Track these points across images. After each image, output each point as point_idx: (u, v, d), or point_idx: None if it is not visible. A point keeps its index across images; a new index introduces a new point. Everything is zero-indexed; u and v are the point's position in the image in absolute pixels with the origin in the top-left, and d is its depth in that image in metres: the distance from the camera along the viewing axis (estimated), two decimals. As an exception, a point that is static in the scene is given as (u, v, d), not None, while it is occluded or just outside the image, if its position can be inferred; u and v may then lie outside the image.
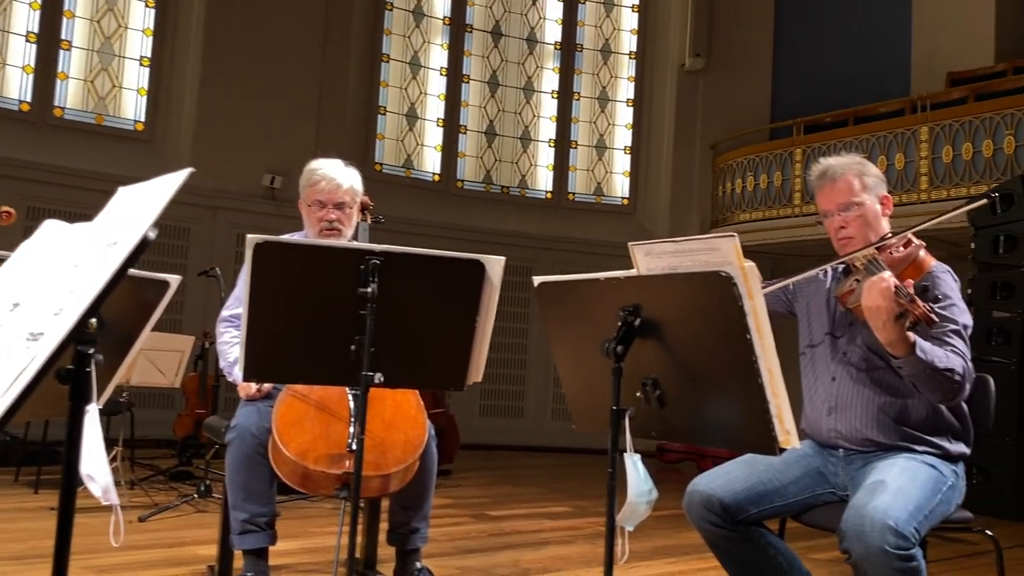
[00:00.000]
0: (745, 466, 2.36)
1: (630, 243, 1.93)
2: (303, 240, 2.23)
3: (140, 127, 8.13)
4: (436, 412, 6.39)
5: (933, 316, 1.93)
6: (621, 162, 10.25)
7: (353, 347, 2.08)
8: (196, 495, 4.44)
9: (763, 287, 2.42)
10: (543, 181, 9.98)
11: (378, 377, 2.04)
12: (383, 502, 3.06)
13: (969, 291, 6.49)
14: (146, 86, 8.17)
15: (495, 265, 2.20)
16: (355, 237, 3.02)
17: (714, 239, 1.71)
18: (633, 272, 1.92)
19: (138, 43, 8.20)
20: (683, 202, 9.81)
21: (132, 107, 8.15)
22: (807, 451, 2.42)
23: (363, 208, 3.14)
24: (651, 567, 3.76)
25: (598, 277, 1.93)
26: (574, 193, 10.05)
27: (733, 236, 1.69)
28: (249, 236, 2.07)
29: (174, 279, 1.88)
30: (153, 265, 1.97)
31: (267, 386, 2.77)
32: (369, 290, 2.03)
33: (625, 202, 10.19)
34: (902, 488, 2.04)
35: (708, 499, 2.29)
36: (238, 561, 2.81)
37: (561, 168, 9.99)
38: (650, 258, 1.87)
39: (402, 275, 2.12)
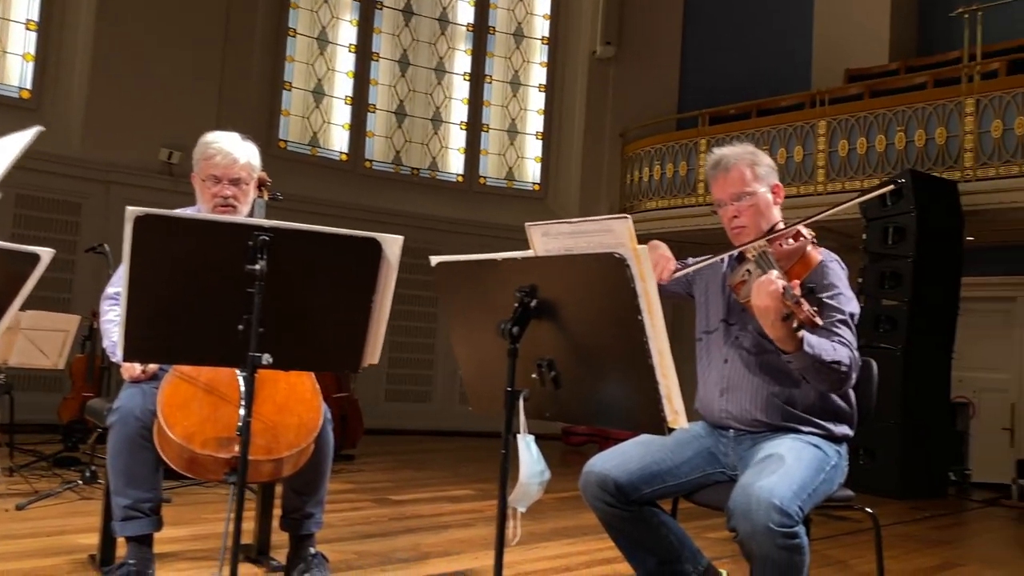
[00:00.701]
0: (640, 447, 2.39)
1: (527, 223, 1.91)
2: (187, 214, 2.12)
3: (26, 95, 7.67)
4: (339, 396, 6.29)
5: (817, 320, 1.97)
6: (533, 147, 10.27)
7: (241, 327, 2.00)
8: (80, 481, 4.24)
9: (680, 268, 2.45)
10: (454, 164, 9.92)
11: (266, 358, 1.96)
12: (277, 487, 2.99)
13: (860, 280, 6.77)
14: (33, 51, 7.71)
15: (392, 244, 2.14)
16: (251, 214, 2.92)
17: (608, 220, 1.71)
18: (530, 253, 1.91)
19: (24, 5, 7.73)
20: (593, 189, 9.90)
21: (17, 73, 7.67)
22: (700, 432, 2.47)
23: (260, 184, 3.04)
24: (549, 548, 3.79)
25: (495, 257, 1.91)
26: (485, 177, 10.02)
27: (626, 218, 1.69)
28: (129, 208, 1.96)
29: (46, 252, 1.77)
30: (41, 241, 1.85)
31: (153, 367, 2.66)
32: (257, 267, 1.95)
33: (536, 187, 10.22)
34: (788, 468, 2.10)
35: (603, 479, 2.31)
36: (122, 549, 2.69)
37: (473, 151, 9.94)
38: (547, 239, 1.86)
39: (293, 252, 2.04)
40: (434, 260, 2.03)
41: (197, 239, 2.03)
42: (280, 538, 2.91)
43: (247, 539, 3.23)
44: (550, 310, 1.83)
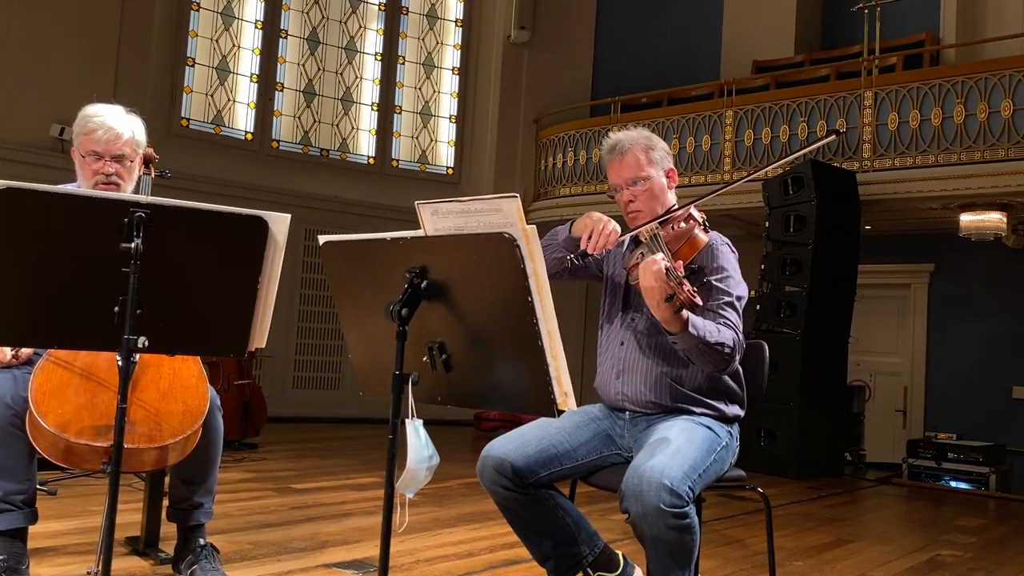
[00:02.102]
0: (538, 430, 2.38)
1: (417, 202, 1.86)
2: (57, 188, 1.99)
3: (-98, 63, 7.18)
4: (241, 383, 6.13)
5: (697, 300, 1.99)
6: (446, 130, 10.17)
7: (117, 308, 1.89)
8: (-44, 474, 3.99)
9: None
10: (365, 146, 9.73)
11: (142, 341, 1.86)
12: (167, 476, 2.86)
13: (762, 267, 6.95)
14: (-91, 17, 7.21)
15: (280, 223, 2.06)
16: (137, 192, 2.78)
17: (498, 200, 1.67)
18: (420, 232, 1.86)
19: (-101, -33, 7.22)
20: (507, 174, 9.86)
21: None
22: (597, 414, 2.47)
23: (147, 161, 2.90)
24: (454, 534, 3.76)
25: (384, 237, 1.86)
26: (398, 160, 9.87)
27: (515, 197, 1.66)
28: (-10, 181, 1.82)
29: None
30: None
31: (26, 352, 2.50)
32: (132, 245, 1.85)
33: (450, 171, 10.13)
34: (679, 449, 2.11)
35: (500, 463, 2.29)
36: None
37: (384, 133, 9.77)
38: (436, 218, 1.81)
39: (173, 230, 1.94)
40: (322, 240, 1.97)
41: (67, 215, 1.91)
42: (171, 529, 2.79)
43: (135, 531, 3.10)
44: (440, 291, 1.79)
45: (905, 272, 8.51)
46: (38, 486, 2.57)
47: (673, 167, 2.49)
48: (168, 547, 2.89)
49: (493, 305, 1.74)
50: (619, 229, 2.39)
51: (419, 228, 1.89)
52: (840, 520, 4.89)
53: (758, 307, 6.86)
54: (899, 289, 8.57)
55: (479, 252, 1.70)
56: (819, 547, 4.03)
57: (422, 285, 1.79)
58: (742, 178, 2.70)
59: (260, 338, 2.16)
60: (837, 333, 7.01)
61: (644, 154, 2.43)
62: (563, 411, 1.70)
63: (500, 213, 1.66)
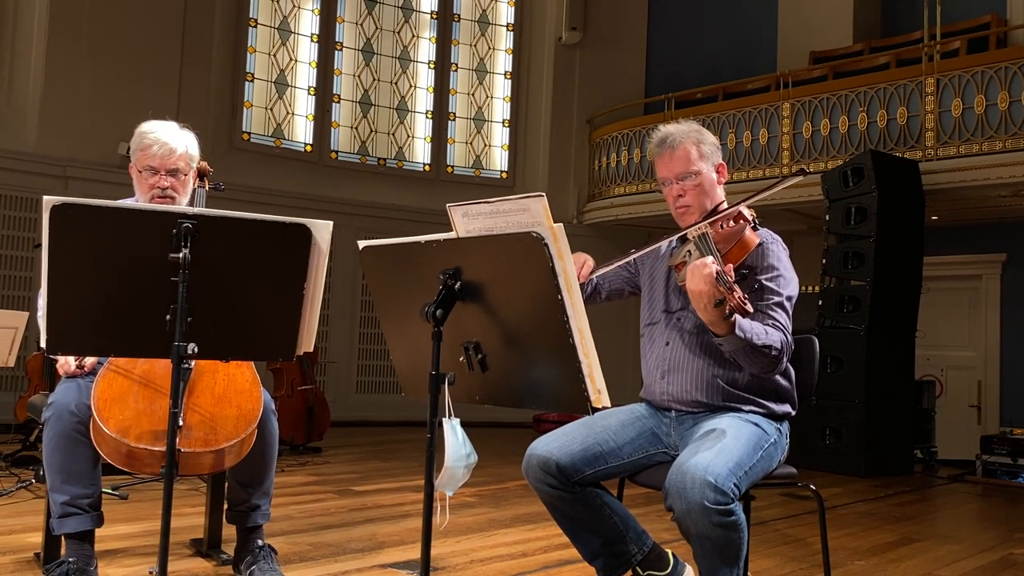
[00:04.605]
0: (583, 428, 2.38)
1: (448, 205, 1.89)
2: (108, 203, 2.08)
3: (-20, 90, 7.55)
4: (304, 389, 6.26)
5: (747, 307, 1.96)
6: (500, 135, 10.22)
7: (169, 316, 1.97)
8: (34, 480, 4.18)
9: (605, 265, 2.45)
10: (421, 153, 9.85)
11: (192, 347, 1.93)
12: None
13: (824, 261, 6.80)
14: (-14, 46, 7.58)
15: (323, 230, 2.11)
16: (192, 204, 2.88)
17: (524, 199, 1.69)
18: (453, 235, 1.89)
19: (-24, -1, 7.59)
20: (561, 175, 9.87)
21: (-30, 68, 7.54)
22: (643, 413, 2.46)
23: (201, 174, 2.99)
24: (509, 534, 3.78)
25: (419, 240, 1.89)
26: (453, 166, 9.97)
27: (541, 196, 1.68)
28: (46, 198, 1.92)
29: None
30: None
31: (91, 362, 2.61)
32: (181, 255, 1.92)
33: (504, 175, 10.18)
34: (723, 446, 2.09)
35: (545, 461, 2.30)
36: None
37: (439, 140, 9.88)
38: (467, 219, 1.84)
39: (220, 240, 2.01)
40: (361, 245, 2.01)
41: (118, 228, 1.99)
42: (233, 531, 2.88)
43: (199, 533, 3.21)
44: (474, 291, 1.82)
45: (976, 263, 8.23)
46: (110, 490, 2.69)
47: (723, 162, 2.46)
48: (230, 548, 2.98)
49: (525, 304, 1.75)
50: (592, 264, 2.42)
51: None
52: (907, 519, 4.76)
53: (820, 302, 6.71)
54: (970, 280, 8.29)
55: (509, 252, 1.72)
56: (884, 546, 3.93)
57: (456, 286, 1.82)
58: (743, 200, 2.50)
59: (308, 342, 2.22)
60: (903, 327, 6.82)
61: (695, 148, 2.40)
62: (597, 408, 1.70)
63: (528, 212, 1.68)
